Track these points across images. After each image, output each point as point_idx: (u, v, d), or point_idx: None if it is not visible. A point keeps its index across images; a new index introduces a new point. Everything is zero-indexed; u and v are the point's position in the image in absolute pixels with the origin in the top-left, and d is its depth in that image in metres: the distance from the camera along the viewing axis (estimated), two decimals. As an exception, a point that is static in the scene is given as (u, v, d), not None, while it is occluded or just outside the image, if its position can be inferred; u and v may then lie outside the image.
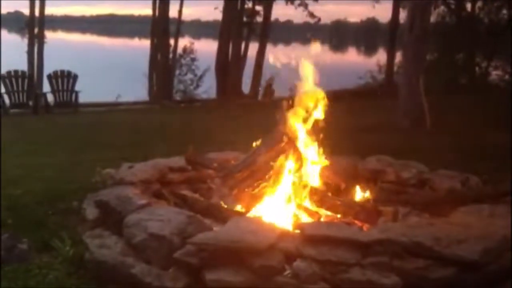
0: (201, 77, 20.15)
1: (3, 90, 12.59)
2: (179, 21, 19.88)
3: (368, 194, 4.17)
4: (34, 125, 10.28)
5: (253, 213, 3.84)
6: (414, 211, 3.93)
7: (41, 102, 13.04)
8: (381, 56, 24.28)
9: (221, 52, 18.51)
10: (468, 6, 19.20)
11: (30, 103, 12.93)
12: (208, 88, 19.36)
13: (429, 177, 4.45)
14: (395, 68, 18.34)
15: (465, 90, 15.97)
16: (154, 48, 19.04)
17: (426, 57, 10.88)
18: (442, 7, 18.54)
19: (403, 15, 17.71)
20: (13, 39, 20.62)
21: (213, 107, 14.37)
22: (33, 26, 17.11)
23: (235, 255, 2.96)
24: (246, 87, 19.34)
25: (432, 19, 12.59)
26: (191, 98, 18.97)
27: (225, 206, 3.92)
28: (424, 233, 3.08)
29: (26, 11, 17.67)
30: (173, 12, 19.00)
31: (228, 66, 18.48)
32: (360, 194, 4.23)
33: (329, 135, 4.30)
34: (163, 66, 18.59)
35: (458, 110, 10.38)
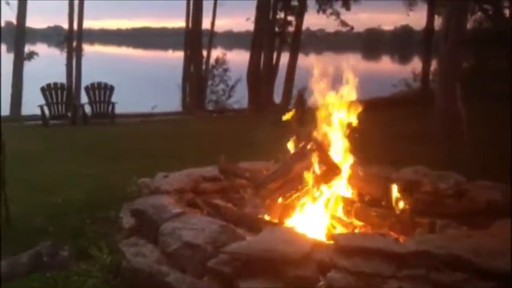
0: (233, 87, 20.31)
1: (41, 102, 12.95)
2: (211, 32, 20.12)
3: (404, 205, 4.10)
4: (72, 135, 10.54)
5: (286, 223, 3.83)
6: (452, 223, 3.85)
7: (79, 113, 13.36)
8: (416, 64, 23.97)
9: (253, 62, 18.62)
10: (506, 12, 18.77)
11: (69, 114, 13.27)
12: (240, 98, 19.49)
13: (467, 187, 4.34)
14: (431, 76, 18.06)
15: (504, 98, 15.55)
16: (187, 60, 19.30)
17: (462, 64, 10.68)
18: (479, 13, 18.19)
19: (438, 22, 17.47)
20: (53, 52, 21.24)
21: (245, 117, 14.44)
22: (72, 40, 17.60)
23: (268, 265, 2.96)
24: (277, 97, 19.37)
25: (469, 25, 12.37)
26: (223, 108, 19.13)
27: (258, 216, 3.93)
28: (462, 246, 3.02)
29: (65, 25, 18.22)
30: (205, 24, 19.24)
31: (259, 76, 18.57)
32: (395, 205, 4.17)
33: (364, 145, 4.26)
34: (196, 77, 18.82)
35: (496, 119, 10.12)
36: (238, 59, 23.96)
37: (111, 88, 13.62)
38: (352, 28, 21.60)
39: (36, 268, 3.43)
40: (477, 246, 3.00)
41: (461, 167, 5.10)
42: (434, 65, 17.08)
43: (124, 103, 14.15)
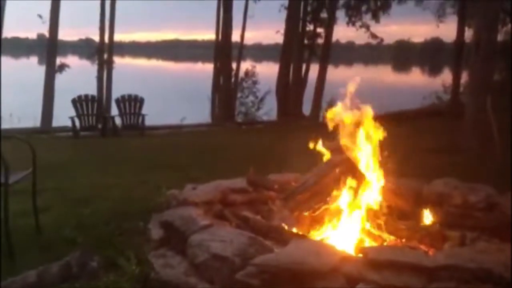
0: (262, 99, 20.44)
1: (72, 113, 13.21)
2: (241, 45, 20.28)
3: (434, 218, 4.04)
4: (102, 147, 10.70)
5: (315, 235, 3.81)
6: (482, 236, 3.77)
7: (110, 125, 13.57)
8: (446, 76, 23.65)
9: (282, 74, 18.70)
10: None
11: (99, 126, 13.52)
12: (269, 110, 19.59)
13: (498, 200, 4.25)
14: (461, 88, 17.80)
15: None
16: (217, 72, 19.49)
17: (493, 76, 10.50)
18: (510, 25, 17.87)
19: (468, 33, 17.24)
20: (84, 64, 21.69)
21: (274, 129, 14.45)
22: (103, 52, 17.96)
23: (296, 277, 2.94)
24: (307, 109, 19.36)
25: (499, 37, 12.16)
26: (253, 120, 19.24)
27: (286, 228, 3.92)
28: (493, 259, 2.96)
29: (96, 38, 18.62)
30: (235, 36, 19.42)
31: (288, 88, 18.62)
32: (425, 218, 4.11)
33: (393, 157, 4.22)
34: (226, 89, 18.98)
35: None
36: (267, 71, 24.11)
37: (141, 100, 13.82)
38: (382, 40, 21.53)
39: (65, 279, 3.46)
40: (508, 259, 2.94)
41: (492, 179, 4.99)
42: (464, 77, 16.82)
43: (154, 115, 14.34)
